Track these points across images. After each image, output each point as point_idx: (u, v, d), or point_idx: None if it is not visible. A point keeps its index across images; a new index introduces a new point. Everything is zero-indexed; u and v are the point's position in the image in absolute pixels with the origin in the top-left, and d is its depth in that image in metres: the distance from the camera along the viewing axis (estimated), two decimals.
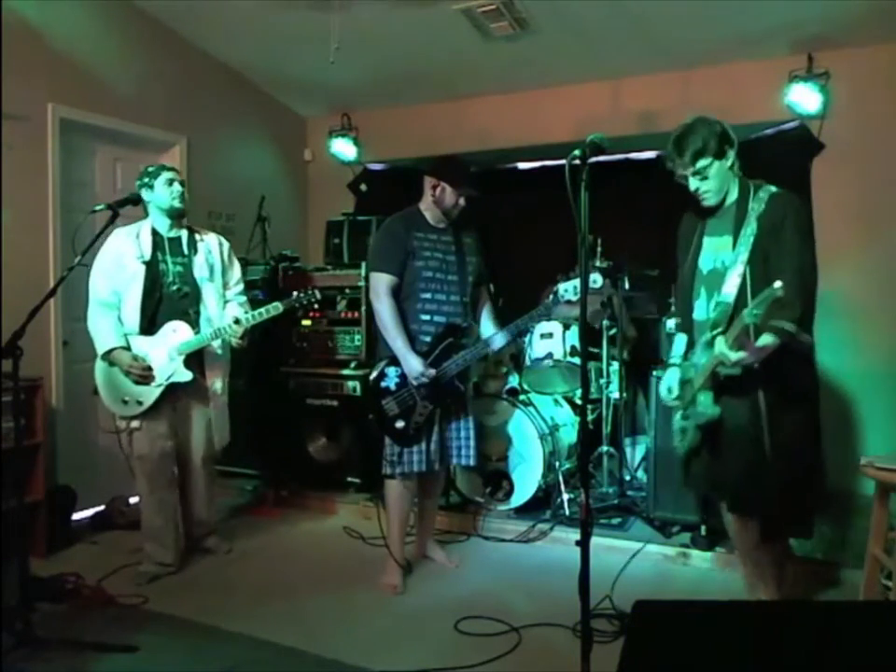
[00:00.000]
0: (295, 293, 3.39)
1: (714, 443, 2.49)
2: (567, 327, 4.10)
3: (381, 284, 3.21)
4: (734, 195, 2.47)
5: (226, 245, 3.59)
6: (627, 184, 4.49)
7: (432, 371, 3.15)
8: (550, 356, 4.05)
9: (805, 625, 1.37)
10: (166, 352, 3.27)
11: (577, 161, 1.89)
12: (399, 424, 3.20)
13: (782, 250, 2.33)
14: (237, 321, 3.28)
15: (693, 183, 2.42)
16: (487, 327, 3.42)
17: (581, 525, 1.92)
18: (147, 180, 3.35)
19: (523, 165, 5.17)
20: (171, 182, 3.35)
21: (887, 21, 3.94)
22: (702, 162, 2.37)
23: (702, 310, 2.52)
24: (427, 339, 3.24)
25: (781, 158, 4.14)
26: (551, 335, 4.11)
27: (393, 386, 3.21)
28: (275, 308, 3.32)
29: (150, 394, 3.28)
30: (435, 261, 3.28)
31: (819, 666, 1.31)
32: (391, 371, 3.21)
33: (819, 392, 3.74)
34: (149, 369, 3.26)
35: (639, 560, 3.43)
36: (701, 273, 2.52)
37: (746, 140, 4.07)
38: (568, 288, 3.18)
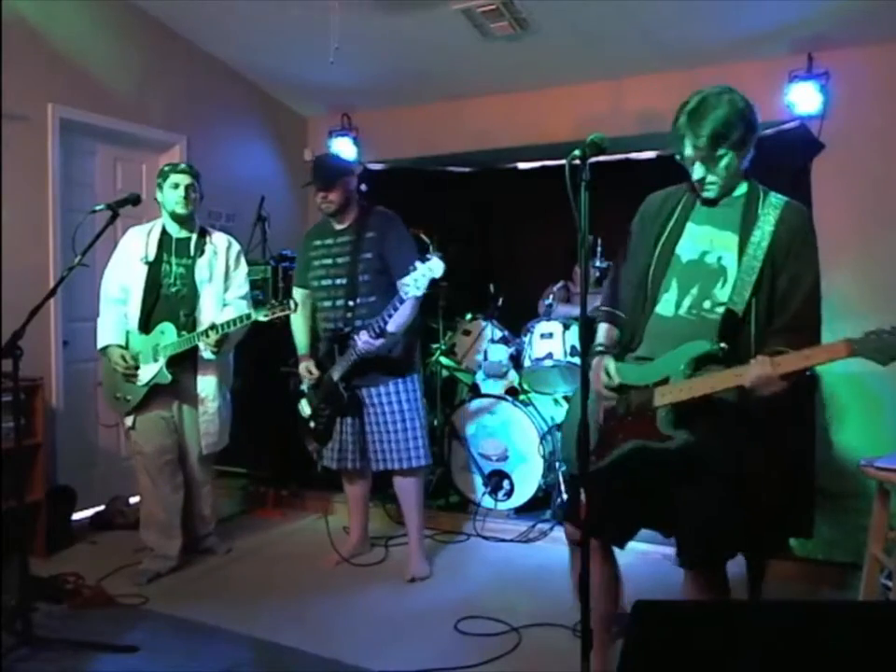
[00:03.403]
0: (273, 301, 3.16)
1: (674, 480, 2.04)
2: (566, 327, 4.10)
3: (296, 297, 3.41)
4: (742, 189, 2.12)
5: (235, 247, 3.52)
6: (627, 184, 4.48)
7: (316, 373, 3.35)
8: (550, 356, 4.04)
9: (804, 625, 1.37)
10: (151, 352, 3.29)
11: (577, 161, 1.87)
12: (312, 423, 3.46)
13: (801, 269, 2.01)
14: (213, 327, 3.17)
15: (699, 170, 2.04)
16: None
17: (581, 525, 1.91)
18: (158, 181, 3.36)
19: (523, 165, 5.16)
20: (176, 186, 3.31)
21: (887, 20, 3.95)
22: (720, 151, 1.99)
23: (669, 304, 2.11)
24: (325, 346, 3.37)
25: (781, 158, 4.12)
26: (551, 335, 4.10)
27: (306, 389, 3.47)
28: (247, 318, 3.12)
29: (137, 392, 3.32)
30: (322, 269, 3.34)
31: (819, 667, 1.31)
32: None
33: (816, 394, 3.74)
34: (136, 367, 3.28)
35: (639, 560, 3.43)
36: (678, 262, 2.13)
37: None
38: (409, 283, 2.83)
